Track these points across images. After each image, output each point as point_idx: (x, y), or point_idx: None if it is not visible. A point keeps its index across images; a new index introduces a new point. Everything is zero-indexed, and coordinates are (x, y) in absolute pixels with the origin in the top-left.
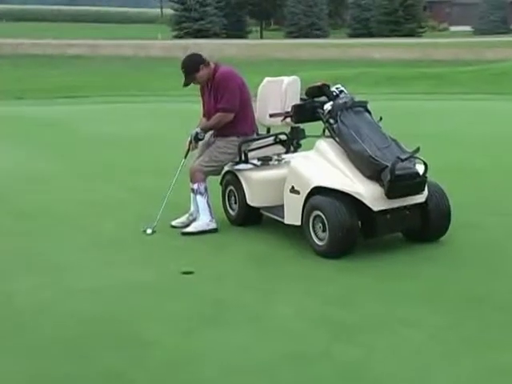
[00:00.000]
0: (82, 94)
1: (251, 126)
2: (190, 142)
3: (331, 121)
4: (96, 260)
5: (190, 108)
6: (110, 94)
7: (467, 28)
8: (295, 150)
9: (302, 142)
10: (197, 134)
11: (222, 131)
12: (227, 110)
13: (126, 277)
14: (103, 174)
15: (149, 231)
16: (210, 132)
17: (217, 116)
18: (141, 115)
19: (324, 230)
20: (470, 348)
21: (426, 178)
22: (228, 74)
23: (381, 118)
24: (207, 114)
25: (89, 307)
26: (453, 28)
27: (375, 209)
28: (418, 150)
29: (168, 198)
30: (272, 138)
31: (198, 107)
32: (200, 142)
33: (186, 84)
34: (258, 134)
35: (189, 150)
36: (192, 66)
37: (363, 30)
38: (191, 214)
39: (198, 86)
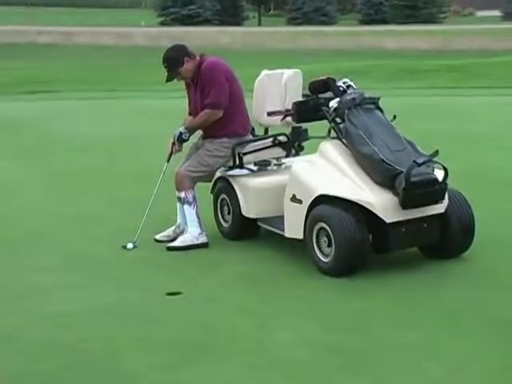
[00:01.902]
0: (54, 88)
1: (244, 125)
2: (173, 144)
3: (337, 120)
4: (70, 281)
5: (178, 105)
6: (87, 88)
7: (496, 13)
8: (297, 154)
9: (305, 144)
10: (181, 133)
11: (210, 132)
12: (215, 106)
13: (104, 300)
14: (78, 183)
15: (129, 246)
16: (199, 133)
17: (203, 113)
18: (122, 113)
19: (329, 245)
20: (496, 382)
21: (446, 185)
22: (214, 65)
23: (394, 117)
24: (194, 113)
25: (62, 335)
26: (479, 13)
27: (388, 220)
28: (436, 153)
29: (150, 208)
30: (270, 139)
31: (186, 104)
32: (186, 145)
33: (169, 79)
34: (254, 135)
35: (172, 152)
36: (175, 59)
37: (376, 15)
38: (178, 227)
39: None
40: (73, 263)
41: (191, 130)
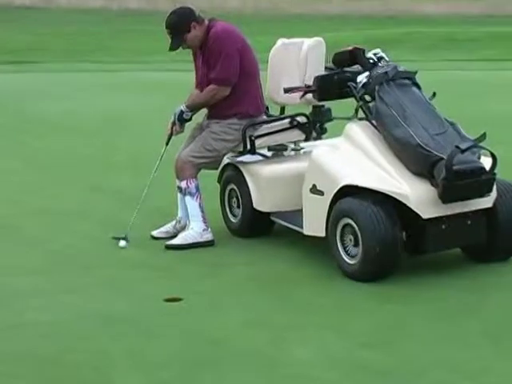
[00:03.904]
0: (32, 58)
1: (258, 103)
2: (173, 124)
3: (366, 98)
4: (50, 285)
5: (179, 79)
6: (71, 59)
7: None
8: (318, 137)
9: (328, 125)
10: (181, 112)
11: (218, 110)
12: (221, 81)
13: (91, 307)
14: (61, 171)
15: (122, 244)
16: (204, 111)
17: (208, 90)
18: (112, 89)
19: (356, 245)
20: None
21: (494, 175)
22: (224, 32)
23: (434, 94)
24: (200, 85)
25: (43, 347)
26: None
27: (425, 216)
28: (483, 137)
29: (146, 199)
30: (287, 120)
31: (191, 77)
32: (188, 125)
33: (174, 48)
34: (268, 115)
35: (171, 134)
36: (181, 24)
37: None
38: (178, 222)
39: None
40: (53, 264)
41: (194, 109)
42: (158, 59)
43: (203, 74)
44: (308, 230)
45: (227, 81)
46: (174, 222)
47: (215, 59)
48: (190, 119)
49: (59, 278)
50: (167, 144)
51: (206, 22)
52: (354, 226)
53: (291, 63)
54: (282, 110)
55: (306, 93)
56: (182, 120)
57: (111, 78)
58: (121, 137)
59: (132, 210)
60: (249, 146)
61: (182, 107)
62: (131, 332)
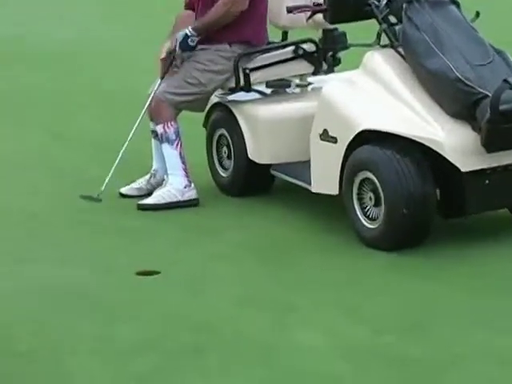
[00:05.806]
0: None
1: (260, 30)
2: (170, 53)
3: (392, 19)
4: None
5: None
6: None
7: None
8: (330, 70)
9: (342, 54)
10: (186, 36)
11: (207, 34)
12: None
13: (46, 280)
14: (11, 111)
15: None
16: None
17: (222, 3)
18: (73, 6)
19: (377, 204)
20: None
21: None
22: None
23: (477, 14)
24: (191, 4)
25: None
26: None
27: (464, 169)
28: None
29: (126, 148)
30: (291, 48)
31: None
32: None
33: None
34: (267, 43)
35: (169, 67)
36: None
37: None
38: (153, 175)
39: None
40: (5, 227)
41: (203, 31)
42: None
43: None
44: (317, 186)
45: None
46: (147, 176)
47: None
48: (195, 47)
49: (4, 244)
50: (162, 78)
51: None
52: (375, 180)
53: None
54: (285, 35)
55: (314, 13)
56: (186, 47)
57: None
58: (86, 70)
59: (100, 159)
60: (243, 81)
61: (188, 30)
62: (95, 312)
